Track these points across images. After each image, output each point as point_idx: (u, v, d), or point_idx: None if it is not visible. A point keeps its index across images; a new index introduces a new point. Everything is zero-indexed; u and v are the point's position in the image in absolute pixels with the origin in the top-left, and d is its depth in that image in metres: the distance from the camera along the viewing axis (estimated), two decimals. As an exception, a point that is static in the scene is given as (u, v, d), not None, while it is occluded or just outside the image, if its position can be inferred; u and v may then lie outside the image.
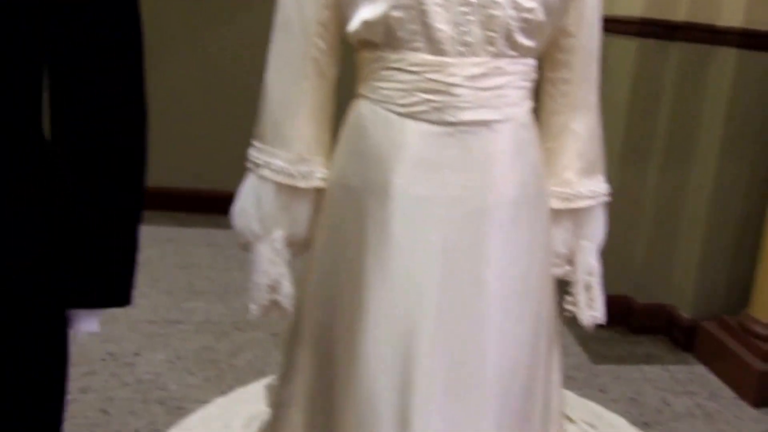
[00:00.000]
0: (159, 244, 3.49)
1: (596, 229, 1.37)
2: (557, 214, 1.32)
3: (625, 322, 3.04)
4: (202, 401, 2.29)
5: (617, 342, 2.95)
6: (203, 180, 3.90)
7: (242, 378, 2.44)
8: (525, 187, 1.18)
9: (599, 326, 3.11)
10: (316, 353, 1.23)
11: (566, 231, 1.32)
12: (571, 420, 2.37)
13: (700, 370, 2.77)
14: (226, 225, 1.35)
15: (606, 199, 1.39)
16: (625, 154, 2.90)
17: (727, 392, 2.62)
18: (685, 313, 2.90)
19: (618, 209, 2.98)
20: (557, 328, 1.32)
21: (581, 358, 2.80)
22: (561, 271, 1.30)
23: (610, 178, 1.40)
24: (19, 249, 0.88)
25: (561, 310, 1.33)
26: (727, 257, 2.85)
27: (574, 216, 1.34)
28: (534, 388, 1.20)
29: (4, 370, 0.90)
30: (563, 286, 1.35)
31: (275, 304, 1.25)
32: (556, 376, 1.29)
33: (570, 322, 3.07)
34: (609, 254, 3.00)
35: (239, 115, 3.11)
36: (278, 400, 1.29)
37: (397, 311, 1.12)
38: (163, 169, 3.52)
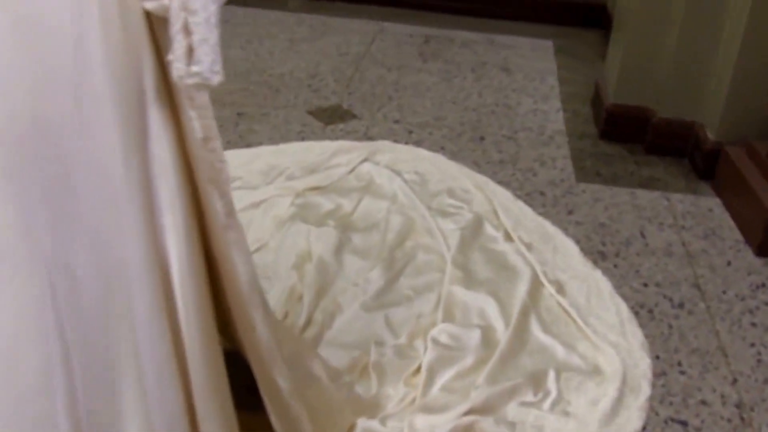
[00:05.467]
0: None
1: None
2: None
3: (640, 139, 2.49)
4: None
5: (620, 160, 2.43)
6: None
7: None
8: None
9: (605, 140, 2.63)
10: None
11: None
12: (509, 238, 1.96)
13: (709, 202, 2.23)
14: None
15: None
16: None
17: (730, 233, 2.09)
18: (711, 134, 2.32)
19: (646, 3, 2.37)
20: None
21: (565, 173, 2.32)
22: (153, 5, 0.84)
23: None
24: None
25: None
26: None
27: None
28: None
29: None
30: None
31: None
32: None
33: (571, 131, 2.59)
34: (630, 58, 2.44)
35: None
36: None
37: None
38: None
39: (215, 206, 0.90)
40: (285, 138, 2.39)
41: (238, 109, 2.54)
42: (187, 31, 0.79)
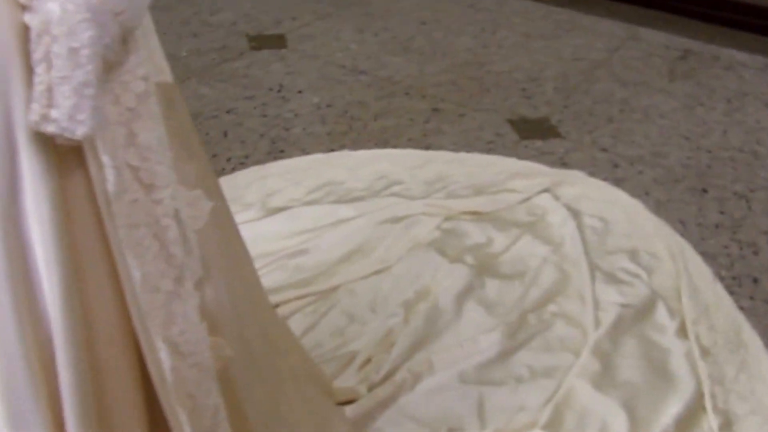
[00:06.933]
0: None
1: None
2: None
3: None
4: (307, 151, 2.12)
5: None
6: None
7: (360, 141, 2.17)
8: None
9: None
10: None
11: None
12: (683, 333, 1.56)
13: None
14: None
15: None
16: None
17: None
18: None
19: None
20: None
21: (795, 261, 1.83)
22: (35, 19, 0.60)
23: None
24: None
25: None
26: None
27: None
28: None
29: None
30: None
31: None
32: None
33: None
34: None
35: None
36: None
37: None
38: None
39: (137, 271, 0.70)
40: (470, 146, 2.14)
41: (436, 103, 2.32)
42: (49, 62, 0.60)
